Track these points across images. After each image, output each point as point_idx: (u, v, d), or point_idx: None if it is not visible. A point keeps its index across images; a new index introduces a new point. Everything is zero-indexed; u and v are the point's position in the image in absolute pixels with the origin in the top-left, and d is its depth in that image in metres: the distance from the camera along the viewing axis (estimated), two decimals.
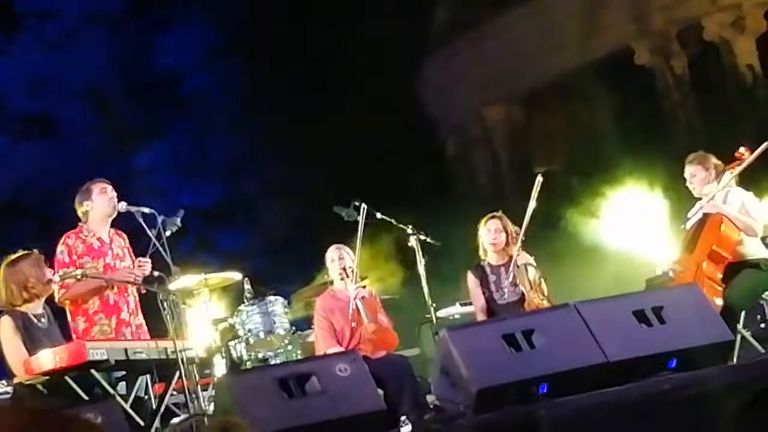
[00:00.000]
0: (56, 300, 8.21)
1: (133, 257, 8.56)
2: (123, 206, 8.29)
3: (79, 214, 8.47)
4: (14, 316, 7.62)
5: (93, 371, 7.26)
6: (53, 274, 7.97)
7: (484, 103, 17.84)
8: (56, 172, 14.78)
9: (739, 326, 8.53)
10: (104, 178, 8.55)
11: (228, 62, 17.41)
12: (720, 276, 8.79)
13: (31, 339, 7.57)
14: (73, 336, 8.14)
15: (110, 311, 8.27)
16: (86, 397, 7.26)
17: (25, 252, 7.91)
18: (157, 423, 7.65)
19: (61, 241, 8.31)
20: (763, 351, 8.57)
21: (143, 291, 8.47)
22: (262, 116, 16.80)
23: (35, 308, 7.80)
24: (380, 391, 7.79)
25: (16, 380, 7.50)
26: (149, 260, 8.32)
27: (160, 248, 8.06)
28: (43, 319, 7.82)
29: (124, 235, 8.68)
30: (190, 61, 17.62)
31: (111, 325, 8.21)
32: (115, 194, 8.43)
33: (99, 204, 8.41)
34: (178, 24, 17.60)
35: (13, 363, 7.47)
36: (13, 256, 7.88)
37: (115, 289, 8.33)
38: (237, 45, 17.20)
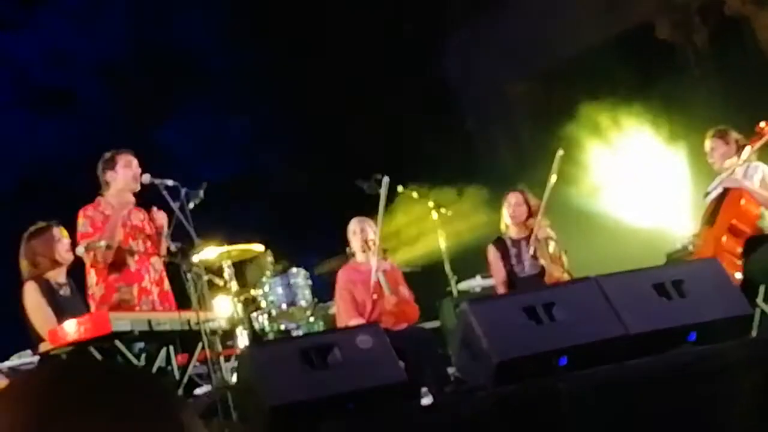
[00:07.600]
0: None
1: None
2: (147, 178, 8.33)
3: (101, 181, 8.52)
4: (38, 281, 7.71)
5: (117, 342, 7.32)
6: (77, 247, 8.06)
7: (505, 79, 17.79)
8: (77, 145, 14.77)
9: (759, 300, 8.55)
10: (128, 149, 8.61)
11: (246, 39, 17.39)
12: (740, 250, 8.81)
13: (57, 306, 7.66)
14: (90, 302, 8.22)
15: (131, 279, 8.34)
16: None
17: (43, 226, 7.97)
18: (179, 394, 7.71)
19: (80, 215, 8.36)
20: None
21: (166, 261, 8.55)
22: (280, 92, 16.80)
23: (57, 277, 7.89)
24: (401, 363, 7.83)
25: (42, 350, 7.57)
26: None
27: (183, 220, 8.11)
28: (65, 288, 7.91)
29: (144, 210, 8.74)
30: (209, 38, 17.61)
31: (132, 293, 8.27)
32: (139, 169, 8.47)
33: (122, 177, 8.44)
34: (197, 1, 17.60)
35: (41, 327, 7.53)
36: (33, 229, 7.95)
37: (136, 257, 8.39)
38: (255, 22, 17.18)
